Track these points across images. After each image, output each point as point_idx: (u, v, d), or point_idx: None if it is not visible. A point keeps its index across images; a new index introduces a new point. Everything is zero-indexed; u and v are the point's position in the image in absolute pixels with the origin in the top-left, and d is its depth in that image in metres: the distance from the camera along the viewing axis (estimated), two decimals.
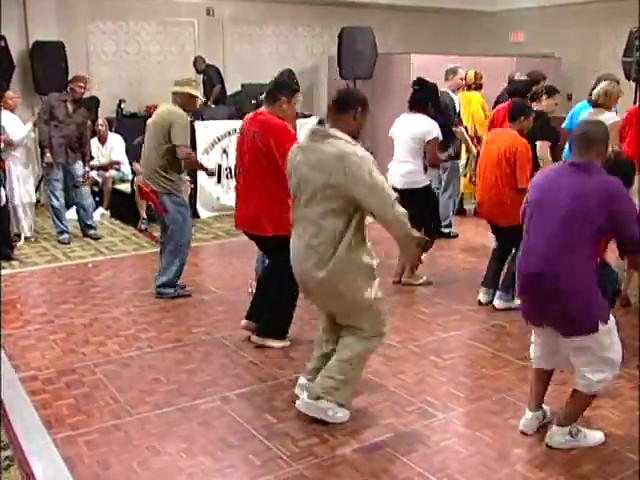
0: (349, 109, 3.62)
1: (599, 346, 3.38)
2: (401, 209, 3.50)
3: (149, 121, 5.80)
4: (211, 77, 11.08)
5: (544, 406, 3.76)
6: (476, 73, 8.42)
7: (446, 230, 7.84)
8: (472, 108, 8.26)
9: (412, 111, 6.01)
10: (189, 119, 5.96)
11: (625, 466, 3.40)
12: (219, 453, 3.53)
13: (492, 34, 13.73)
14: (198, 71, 11.07)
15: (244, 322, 4.95)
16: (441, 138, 6.09)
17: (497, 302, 5.59)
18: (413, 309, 5.66)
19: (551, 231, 3.32)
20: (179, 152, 5.55)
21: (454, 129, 7.38)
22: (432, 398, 4.10)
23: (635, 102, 9.06)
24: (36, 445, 3.58)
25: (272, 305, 4.78)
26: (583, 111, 6.33)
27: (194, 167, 6.24)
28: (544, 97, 6.15)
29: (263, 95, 4.82)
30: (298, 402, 3.84)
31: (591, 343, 3.36)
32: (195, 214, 8.70)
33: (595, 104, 6.04)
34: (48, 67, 9.61)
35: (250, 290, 5.82)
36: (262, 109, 4.68)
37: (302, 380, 4.01)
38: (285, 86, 4.73)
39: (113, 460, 3.46)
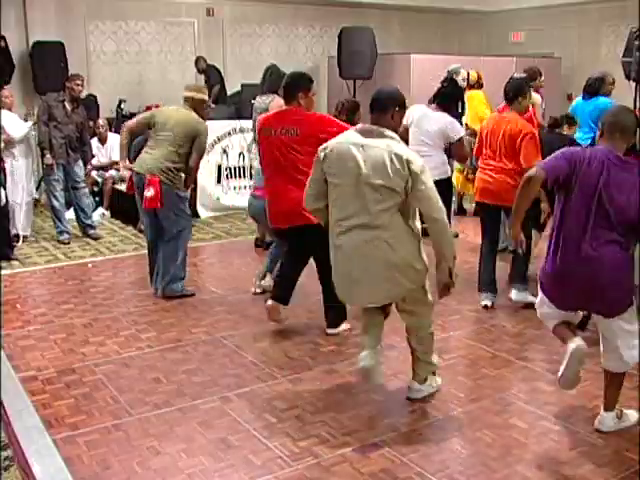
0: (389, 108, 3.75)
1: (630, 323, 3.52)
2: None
3: (163, 118, 5.74)
4: (211, 77, 11.08)
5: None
6: (478, 74, 8.53)
7: None
8: (474, 103, 8.34)
9: (436, 107, 6.12)
10: None
11: (625, 466, 3.40)
12: (219, 453, 3.52)
13: (492, 34, 13.75)
14: (199, 71, 11.08)
15: None
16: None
17: (515, 295, 5.54)
18: None
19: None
20: (195, 160, 5.71)
21: None
22: (432, 398, 4.10)
23: (635, 102, 9.06)
24: (36, 445, 3.58)
25: (331, 295, 4.69)
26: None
27: (194, 176, 6.18)
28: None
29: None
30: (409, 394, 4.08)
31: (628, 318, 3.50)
32: (195, 214, 8.70)
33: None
34: (48, 67, 9.63)
35: (254, 290, 5.83)
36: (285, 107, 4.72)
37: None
38: (300, 79, 4.70)
39: (113, 460, 3.46)
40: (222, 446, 3.58)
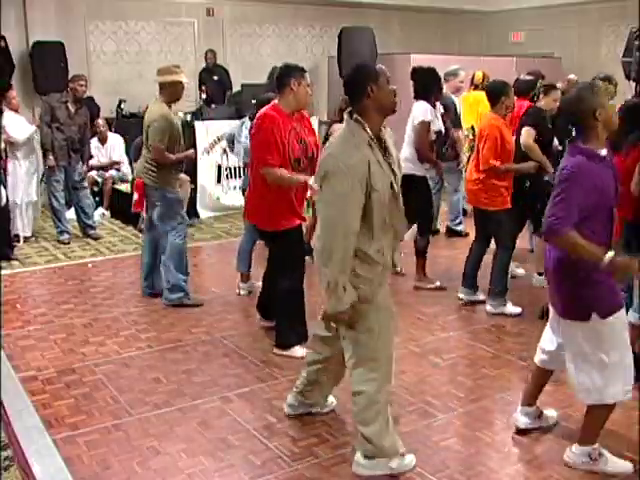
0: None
1: (587, 342, 3.21)
2: None
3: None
4: (222, 79, 11.13)
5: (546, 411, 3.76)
6: (484, 74, 8.36)
7: (458, 228, 7.91)
8: (481, 107, 8.18)
9: (416, 99, 6.05)
10: (187, 119, 5.93)
11: None
12: (219, 453, 3.52)
13: (492, 34, 13.75)
14: (208, 65, 11.10)
15: None
16: (437, 128, 6.09)
17: (490, 308, 5.53)
18: (413, 309, 5.66)
19: None
20: (153, 152, 5.45)
21: (452, 132, 7.36)
22: (432, 398, 4.10)
23: None
24: (36, 445, 3.58)
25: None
26: None
27: (168, 163, 5.58)
28: (542, 96, 6.14)
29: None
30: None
31: (578, 332, 3.22)
32: (195, 214, 8.70)
33: None
34: (48, 67, 9.63)
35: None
36: (275, 102, 4.48)
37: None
38: (292, 68, 4.48)
39: (113, 460, 3.46)
40: (222, 446, 3.59)
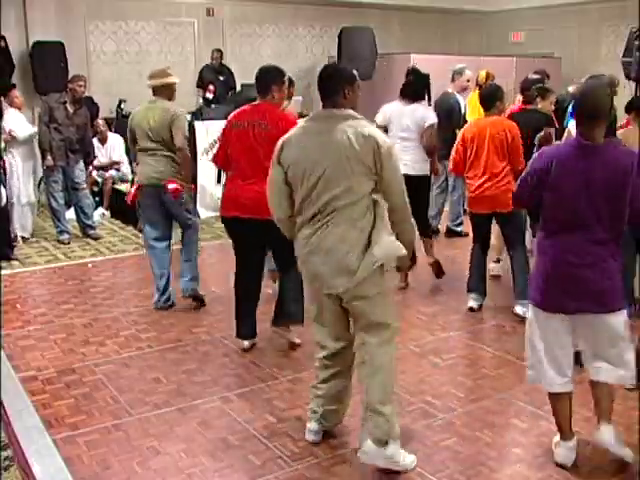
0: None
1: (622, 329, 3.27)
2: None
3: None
4: (229, 79, 11.11)
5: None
6: (487, 73, 8.25)
7: (458, 229, 7.89)
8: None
9: (409, 101, 5.99)
10: (188, 119, 5.92)
11: (624, 466, 3.39)
12: (219, 453, 3.53)
13: (492, 34, 13.76)
14: (213, 66, 11.07)
15: None
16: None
17: (521, 310, 5.28)
18: (413, 309, 5.66)
19: None
20: (183, 152, 5.51)
21: (457, 131, 7.36)
22: (432, 398, 4.10)
23: None
24: (36, 445, 3.58)
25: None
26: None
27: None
28: (538, 100, 6.14)
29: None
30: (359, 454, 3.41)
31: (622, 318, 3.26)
32: (196, 214, 8.68)
33: None
34: (48, 67, 9.64)
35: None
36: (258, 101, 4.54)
37: (313, 425, 3.65)
38: (272, 72, 4.53)
39: (113, 460, 3.46)
40: (222, 446, 3.59)
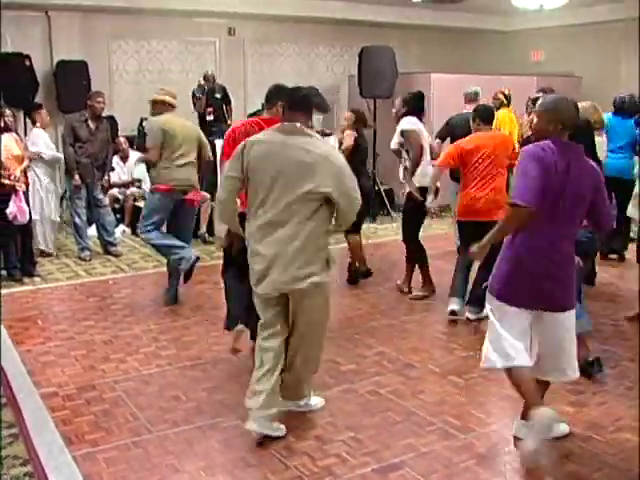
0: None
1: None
2: None
3: (175, 131, 6.32)
4: (226, 97, 11.11)
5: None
6: (503, 92, 8.12)
7: None
8: (510, 127, 8.02)
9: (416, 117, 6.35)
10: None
11: (624, 467, 3.36)
12: (238, 472, 3.51)
13: (512, 53, 13.74)
14: (210, 87, 11.05)
15: None
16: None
17: (471, 315, 5.68)
18: (432, 328, 5.63)
19: None
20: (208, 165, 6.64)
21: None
22: (452, 418, 4.07)
23: None
24: (56, 461, 3.59)
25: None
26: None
27: None
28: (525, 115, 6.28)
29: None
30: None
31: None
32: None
33: None
34: (72, 86, 9.73)
35: None
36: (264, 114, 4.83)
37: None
38: (281, 91, 4.66)
39: (132, 477, 3.46)
40: (241, 465, 3.58)
